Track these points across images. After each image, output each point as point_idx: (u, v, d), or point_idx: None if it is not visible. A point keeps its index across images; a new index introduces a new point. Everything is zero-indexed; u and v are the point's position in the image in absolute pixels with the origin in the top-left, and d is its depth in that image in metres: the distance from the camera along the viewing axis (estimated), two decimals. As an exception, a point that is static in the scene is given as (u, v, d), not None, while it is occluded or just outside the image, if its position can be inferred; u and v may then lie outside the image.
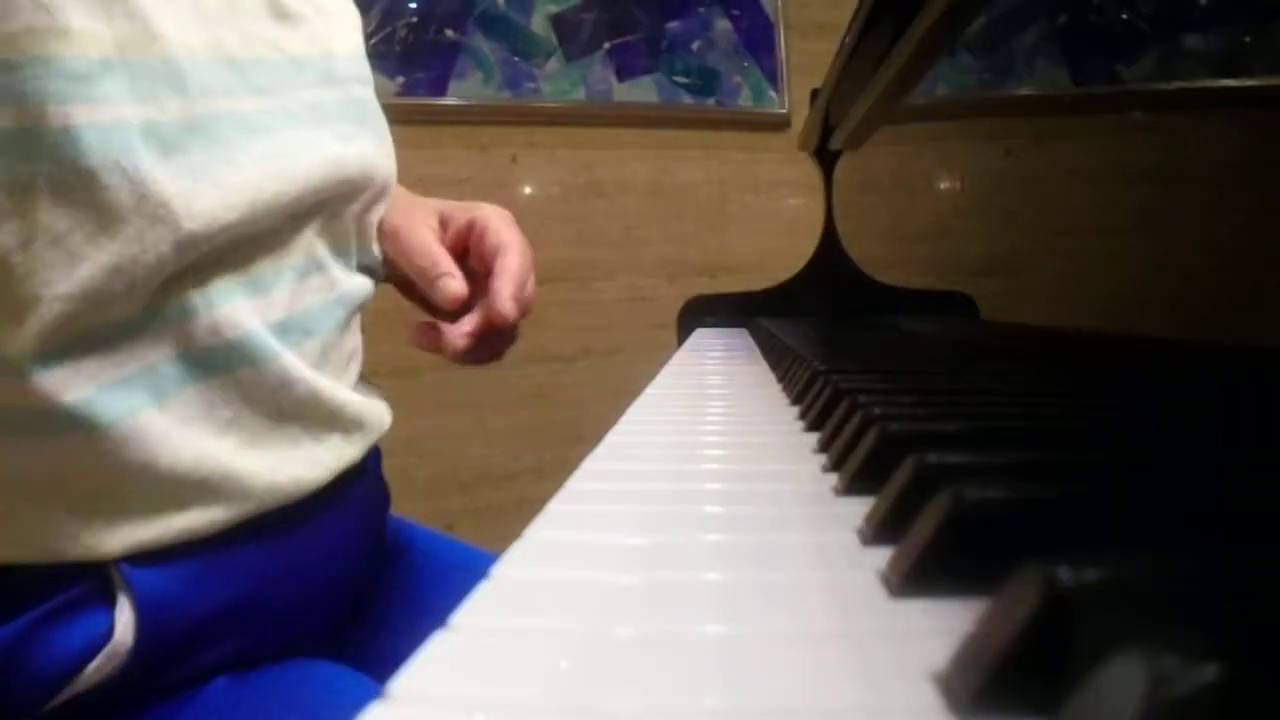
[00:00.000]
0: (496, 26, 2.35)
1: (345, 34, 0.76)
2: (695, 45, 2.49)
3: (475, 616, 0.26)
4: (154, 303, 0.57)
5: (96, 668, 0.56)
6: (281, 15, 0.69)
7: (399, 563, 0.87)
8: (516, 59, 2.36)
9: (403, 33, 2.29)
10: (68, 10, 0.50)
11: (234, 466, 0.60)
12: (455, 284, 0.80)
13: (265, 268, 0.63)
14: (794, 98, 2.49)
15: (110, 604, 0.57)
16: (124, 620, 0.57)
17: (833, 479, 0.44)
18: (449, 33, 2.32)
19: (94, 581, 0.57)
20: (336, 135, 0.70)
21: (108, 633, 0.57)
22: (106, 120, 0.52)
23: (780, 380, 0.84)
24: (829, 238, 1.65)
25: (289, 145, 0.64)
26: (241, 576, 0.63)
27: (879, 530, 0.33)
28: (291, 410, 0.64)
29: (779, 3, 2.52)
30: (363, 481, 0.75)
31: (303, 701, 0.62)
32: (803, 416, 0.63)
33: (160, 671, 0.60)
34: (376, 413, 0.74)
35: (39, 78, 0.49)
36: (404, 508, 0.93)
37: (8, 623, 0.56)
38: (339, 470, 0.68)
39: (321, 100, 0.70)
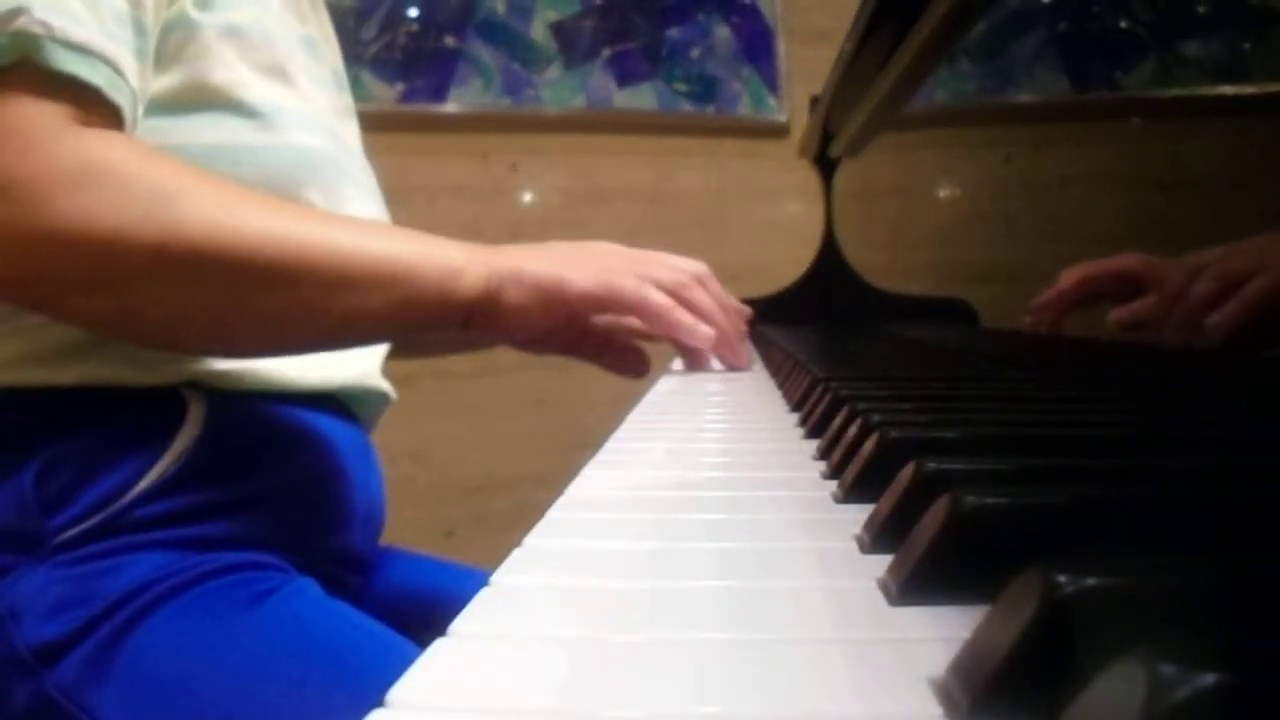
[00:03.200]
0: (497, 34, 2.36)
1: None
2: (695, 52, 2.49)
3: (475, 623, 0.26)
4: None
5: (171, 457, 0.69)
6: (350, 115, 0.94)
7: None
8: (516, 66, 2.37)
9: (403, 40, 2.29)
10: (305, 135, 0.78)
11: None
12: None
13: None
14: (794, 104, 2.49)
15: (179, 421, 0.71)
16: (194, 412, 0.71)
17: (832, 486, 0.44)
18: (449, 40, 2.33)
19: (168, 402, 0.71)
20: (375, 202, 0.91)
21: (177, 430, 0.70)
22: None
23: (780, 387, 0.84)
24: (829, 244, 1.65)
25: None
26: (295, 453, 0.77)
27: (878, 537, 0.33)
28: None
29: (778, 9, 2.53)
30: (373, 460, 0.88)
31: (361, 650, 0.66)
32: (802, 423, 0.63)
33: (224, 478, 0.71)
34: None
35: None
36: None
37: (94, 431, 0.68)
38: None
39: (370, 180, 0.92)
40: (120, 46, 0.65)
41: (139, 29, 0.68)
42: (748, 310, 0.96)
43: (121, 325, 0.66)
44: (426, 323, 0.71)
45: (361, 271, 0.66)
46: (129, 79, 0.66)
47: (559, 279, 0.74)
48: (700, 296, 0.85)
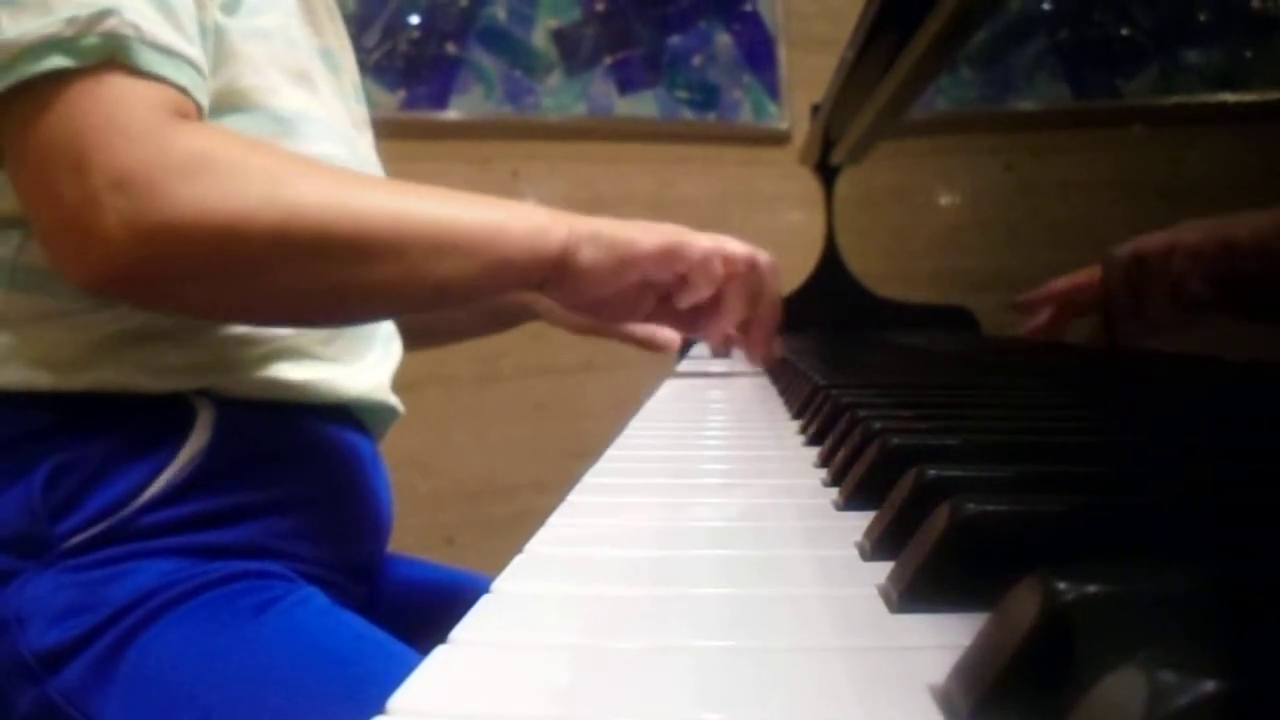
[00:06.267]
0: (498, 41, 2.36)
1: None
2: (696, 60, 2.49)
3: (476, 630, 0.26)
4: None
5: (179, 464, 0.69)
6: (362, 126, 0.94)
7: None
8: (518, 73, 2.37)
9: (404, 47, 2.29)
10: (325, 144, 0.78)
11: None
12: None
13: None
14: (795, 112, 2.49)
15: (189, 428, 0.70)
16: (204, 419, 0.70)
17: (833, 493, 0.44)
18: (450, 47, 2.33)
19: (178, 409, 0.70)
20: None
21: (186, 437, 0.70)
22: None
23: (781, 394, 0.84)
24: (830, 252, 1.65)
25: None
26: (306, 462, 0.77)
27: (879, 544, 0.33)
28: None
29: (780, 17, 2.53)
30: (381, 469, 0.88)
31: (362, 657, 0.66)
32: (804, 431, 0.63)
33: (233, 487, 0.71)
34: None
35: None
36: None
37: (103, 438, 0.68)
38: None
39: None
40: (197, 49, 0.66)
41: (203, 30, 0.69)
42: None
43: (243, 309, 0.68)
44: (516, 281, 0.73)
45: (461, 236, 0.68)
46: (207, 79, 0.67)
47: (631, 239, 0.76)
48: (749, 284, 0.89)
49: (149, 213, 0.58)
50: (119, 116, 0.60)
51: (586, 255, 0.73)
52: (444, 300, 0.74)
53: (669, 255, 0.79)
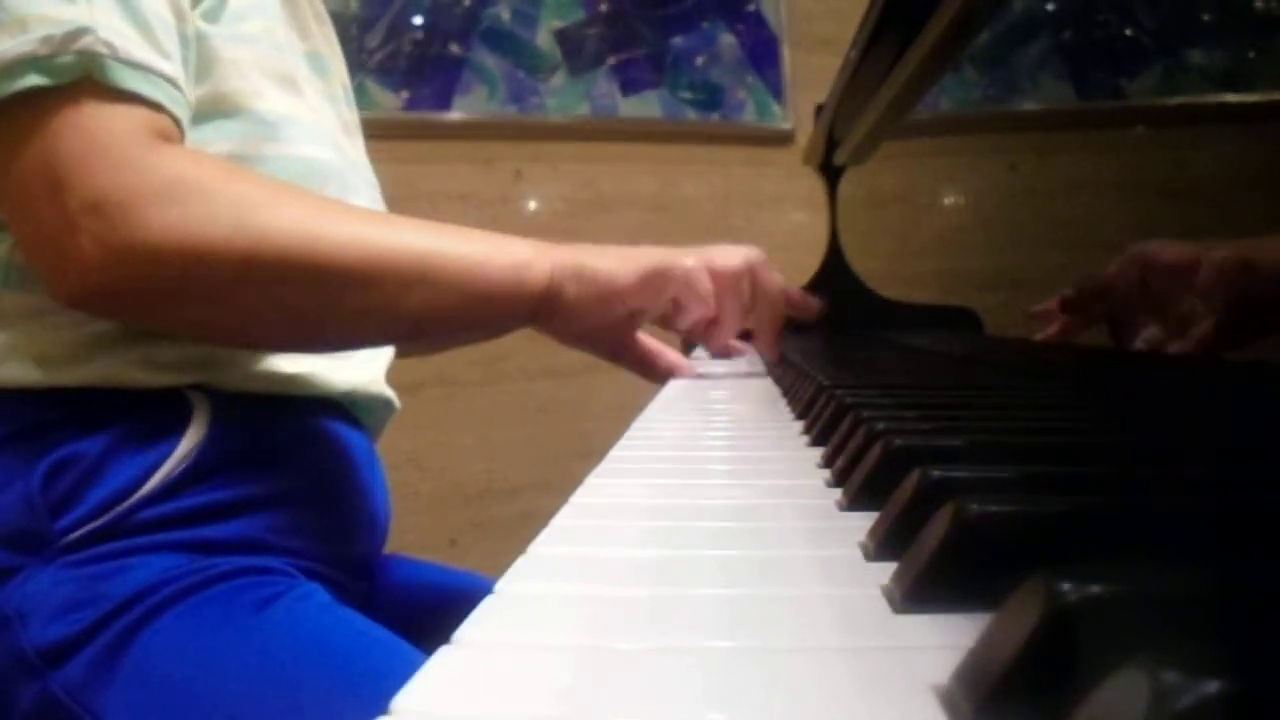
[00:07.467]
0: (501, 41, 2.36)
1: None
2: (700, 60, 2.49)
3: (479, 631, 0.26)
4: None
5: (176, 458, 0.69)
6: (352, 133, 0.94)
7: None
8: (521, 74, 2.37)
9: (408, 47, 2.30)
10: (312, 147, 0.79)
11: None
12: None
13: None
14: (798, 112, 2.49)
15: (185, 422, 0.71)
16: (199, 414, 0.71)
17: (836, 494, 0.44)
18: (454, 48, 2.33)
19: (174, 404, 0.71)
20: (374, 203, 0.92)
21: (183, 431, 0.70)
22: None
23: (784, 395, 0.84)
24: (833, 252, 1.65)
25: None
26: (301, 456, 0.77)
27: (882, 545, 0.33)
28: None
29: (783, 17, 2.53)
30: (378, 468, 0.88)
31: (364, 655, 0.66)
32: (807, 431, 0.63)
33: (229, 481, 0.71)
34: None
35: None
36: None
37: (100, 433, 0.68)
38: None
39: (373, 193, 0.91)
40: (174, 63, 0.68)
41: (184, 41, 0.70)
42: (811, 304, 1.04)
43: (213, 330, 0.69)
44: (498, 316, 0.75)
45: (438, 268, 0.69)
46: (185, 92, 0.68)
47: (611, 274, 0.77)
48: (743, 292, 0.90)
49: (121, 235, 0.60)
50: (96, 140, 0.61)
51: (571, 293, 0.75)
52: (423, 332, 0.75)
53: (652, 283, 0.80)
